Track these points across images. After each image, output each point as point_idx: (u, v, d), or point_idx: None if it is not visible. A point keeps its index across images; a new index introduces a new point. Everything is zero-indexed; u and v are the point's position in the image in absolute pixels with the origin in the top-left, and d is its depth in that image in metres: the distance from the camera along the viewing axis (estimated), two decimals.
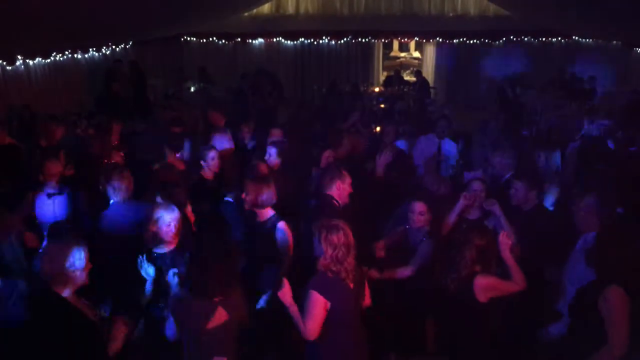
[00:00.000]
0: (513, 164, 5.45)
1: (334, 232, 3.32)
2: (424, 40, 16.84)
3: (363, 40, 16.06)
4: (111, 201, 4.59)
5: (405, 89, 14.02)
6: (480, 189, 4.64)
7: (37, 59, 10.21)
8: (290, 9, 16.12)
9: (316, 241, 3.36)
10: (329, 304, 3.29)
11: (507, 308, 3.91)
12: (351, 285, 3.38)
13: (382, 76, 16.75)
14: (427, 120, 10.04)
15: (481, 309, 3.65)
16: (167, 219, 3.80)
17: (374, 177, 5.56)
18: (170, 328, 3.36)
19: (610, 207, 3.99)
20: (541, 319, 4.07)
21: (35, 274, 3.18)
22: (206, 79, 13.51)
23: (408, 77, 15.98)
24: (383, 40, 16.84)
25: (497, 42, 15.82)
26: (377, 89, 14.74)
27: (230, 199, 4.93)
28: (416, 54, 18.82)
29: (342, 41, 16.06)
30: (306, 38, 15.96)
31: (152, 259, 3.75)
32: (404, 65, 17.79)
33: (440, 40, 16.15)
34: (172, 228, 3.81)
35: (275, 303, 3.49)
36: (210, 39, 15.77)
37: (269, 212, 4.41)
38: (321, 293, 3.28)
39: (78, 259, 3.12)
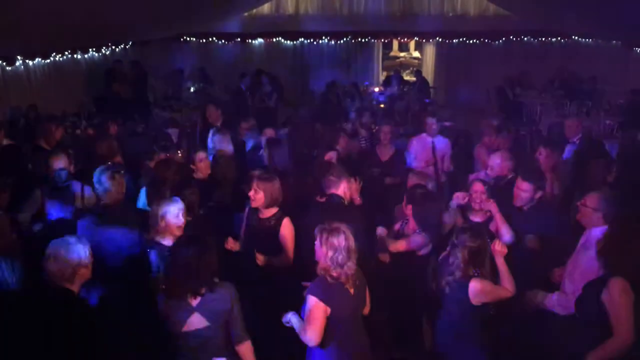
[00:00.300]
0: (512, 165, 5.44)
1: (335, 235, 3.29)
2: (424, 40, 16.84)
3: (363, 40, 16.05)
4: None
5: (405, 89, 14.01)
6: (482, 190, 4.58)
7: (37, 60, 10.20)
8: (290, 9, 16.11)
9: (317, 244, 3.34)
10: (329, 310, 3.27)
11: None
12: (351, 291, 3.36)
13: (382, 76, 16.76)
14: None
15: (473, 312, 3.68)
16: (175, 210, 3.88)
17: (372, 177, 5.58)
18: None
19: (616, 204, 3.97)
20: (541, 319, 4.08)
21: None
22: (206, 79, 13.50)
23: (408, 77, 15.98)
24: (383, 40, 16.83)
25: (496, 42, 15.82)
26: (376, 89, 14.74)
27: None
28: (416, 54, 18.83)
29: (342, 41, 16.06)
30: (306, 38, 15.96)
31: (161, 253, 3.78)
32: (404, 65, 17.80)
33: (440, 40, 16.14)
34: (181, 218, 3.89)
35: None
36: (210, 39, 15.75)
37: (272, 209, 4.42)
38: (321, 299, 3.25)
39: (83, 255, 3.20)
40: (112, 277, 3.87)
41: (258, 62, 14.84)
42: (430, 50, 16.93)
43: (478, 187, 4.61)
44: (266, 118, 9.63)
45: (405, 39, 17.54)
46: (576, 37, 15.41)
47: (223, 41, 15.84)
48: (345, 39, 15.99)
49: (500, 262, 3.74)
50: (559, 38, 15.72)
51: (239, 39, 15.83)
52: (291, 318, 3.41)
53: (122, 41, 12.99)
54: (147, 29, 12.13)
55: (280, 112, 11.42)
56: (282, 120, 9.33)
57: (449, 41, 16.00)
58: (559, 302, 3.86)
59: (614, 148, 7.44)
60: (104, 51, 12.50)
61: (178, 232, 3.88)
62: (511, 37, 15.64)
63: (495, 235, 4.35)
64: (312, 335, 3.26)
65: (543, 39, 15.76)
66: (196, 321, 3.20)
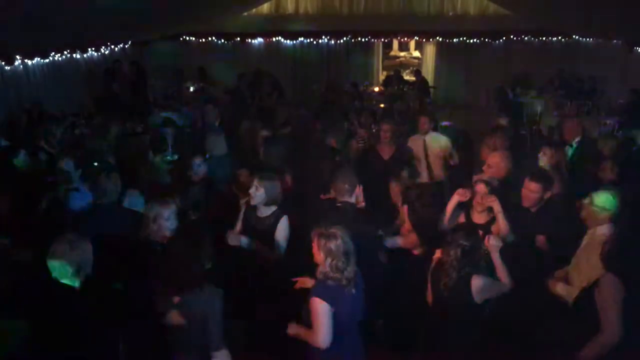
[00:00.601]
0: (510, 165, 5.44)
1: (332, 240, 3.28)
2: (424, 40, 16.83)
3: (363, 39, 16.04)
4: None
5: (405, 89, 14.00)
6: (485, 191, 4.54)
7: (36, 59, 10.19)
8: (290, 8, 16.09)
9: (314, 248, 3.34)
10: (333, 309, 3.26)
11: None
12: (353, 292, 3.35)
13: (382, 76, 16.74)
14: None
15: (476, 310, 3.69)
16: (165, 213, 3.88)
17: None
18: None
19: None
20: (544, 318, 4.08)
21: None
22: (206, 79, 13.49)
23: (408, 76, 15.97)
24: (383, 40, 16.83)
25: (496, 42, 15.81)
26: (376, 89, 14.73)
27: None
28: (416, 54, 18.82)
29: (342, 41, 16.05)
30: (306, 38, 15.95)
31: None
32: (404, 65, 17.78)
33: (440, 39, 16.13)
34: (173, 222, 3.89)
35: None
36: (210, 39, 15.74)
37: (271, 209, 4.42)
38: (324, 299, 3.25)
39: (87, 254, 3.27)
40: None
41: (258, 62, 14.84)
42: (430, 49, 16.91)
43: (481, 188, 4.58)
44: (265, 118, 9.61)
45: (405, 39, 17.52)
46: (576, 37, 15.40)
47: (223, 41, 15.83)
48: (345, 39, 15.98)
49: (496, 257, 3.79)
50: (559, 38, 15.71)
51: (238, 39, 15.82)
52: (294, 330, 3.42)
53: (121, 41, 12.98)
54: (146, 28, 12.11)
55: (280, 112, 11.41)
56: (281, 120, 9.31)
57: (449, 41, 15.99)
58: None
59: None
60: (103, 51, 12.48)
61: (168, 234, 3.87)
62: (511, 36, 15.62)
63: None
64: (322, 337, 3.24)
65: (543, 38, 15.74)
66: (175, 318, 3.22)
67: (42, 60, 10.37)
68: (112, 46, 12.72)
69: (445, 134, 7.36)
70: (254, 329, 4.15)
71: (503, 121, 7.35)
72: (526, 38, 15.72)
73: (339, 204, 4.40)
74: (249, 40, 15.87)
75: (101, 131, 7.34)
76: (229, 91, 11.82)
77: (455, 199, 4.68)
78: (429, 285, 3.91)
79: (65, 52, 10.96)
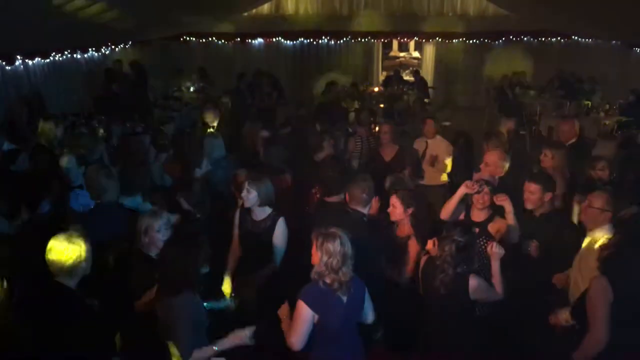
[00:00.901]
0: (507, 165, 5.44)
1: (330, 240, 3.26)
2: (423, 40, 16.84)
3: (362, 40, 16.04)
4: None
5: (404, 89, 14.00)
6: (486, 191, 4.50)
7: (36, 59, 10.19)
8: (290, 9, 16.10)
9: (313, 249, 3.33)
10: (317, 317, 3.23)
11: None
12: (344, 299, 3.31)
13: (382, 76, 16.75)
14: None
15: (470, 309, 3.71)
16: (156, 225, 3.82)
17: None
18: None
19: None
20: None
21: None
22: (206, 79, 13.49)
23: (407, 77, 15.97)
24: (382, 40, 16.83)
25: (496, 42, 15.82)
26: (376, 89, 14.73)
27: None
28: (415, 54, 18.83)
29: (342, 41, 16.05)
30: (305, 38, 15.95)
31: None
32: (404, 65, 17.79)
33: (440, 40, 16.14)
34: (164, 232, 3.83)
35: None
36: (210, 39, 15.75)
37: (266, 211, 4.38)
38: (309, 304, 3.22)
39: (86, 252, 3.26)
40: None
41: (258, 62, 14.85)
42: (429, 50, 16.93)
43: (485, 189, 4.53)
44: (265, 118, 9.62)
45: (405, 39, 17.53)
46: (576, 37, 15.41)
47: (223, 41, 15.84)
48: (345, 39, 15.98)
49: (495, 265, 3.76)
50: (558, 38, 15.72)
51: (238, 39, 15.83)
52: (283, 313, 3.39)
53: (122, 41, 12.98)
54: (146, 29, 12.12)
55: (280, 112, 11.42)
56: (281, 121, 9.32)
57: (448, 41, 16.01)
58: None
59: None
60: (103, 51, 12.49)
61: (161, 245, 3.81)
62: (510, 37, 15.64)
63: (493, 237, 4.35)
64: (294, 339, 3.24)
65: (543, 39, 15.76)
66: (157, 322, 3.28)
67: (42, 60, 10.37)
68: (112, 46, 12.72)
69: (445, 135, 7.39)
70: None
71: (511, 123, 7.36)
72: (525, 38, 15.74)
73: (349, 210, 4.33)
74: (249, 40, 15.87)
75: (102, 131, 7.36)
76: (229, 91, 11.83)
77: (462, 191, 4.57)
78: (420, 280, 3.87)
79: (66, 52, 10.96)
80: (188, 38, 15.60)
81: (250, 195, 4.29)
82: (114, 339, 3.47)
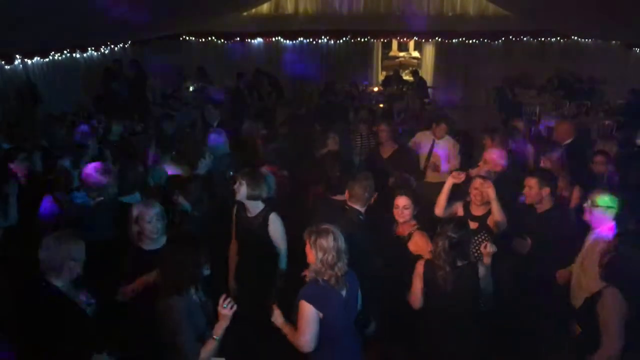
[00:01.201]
0: (506, 164, 5.47)
1: (323, 236, 3.27)
2: (423, 40, 16.84)
3: (362, 39, 16.04)
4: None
5: (404, 89, 14.01)
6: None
7: (36, 58, 10.19)
8: (290, 8, 16.09)
9: (307, 247, 3.33)
10: (321, 315, 3.24)
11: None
12: (343, 293, 3.33)
13: (381, 76, 16.75)
14: (427, 119, 10.05)
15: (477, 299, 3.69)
16: (148, 215, 3.79)
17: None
18: None
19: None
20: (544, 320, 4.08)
21: None
22: (205, 79, 13.47)
23: (407, 77, 15.98)
24: (382, 40, 16.83)
25: (496, 42, 15.82)
26: (376, 89, 14.73)
27: None
28: (415, 54, 18.83)
29: (341, 41, 16.05)
30: (305, 38, 15.95)
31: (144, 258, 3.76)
32: (403, 65, 17.79)
33: (440, 40, 16.14)
34: (154, 225, 3.80)
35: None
36: (210, 39, 15.74)
37: (259, 206, 4.36)
38: (312, 303, 3.22)
39: (75, 252, 3.21)
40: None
41: (257, 61, 14.84)
42: (429, 50, 16.93)
43: (477, 183, 4.62)
44: (264, 117, 9.61)
45: (405, 39, 17.53)
46: (576, 37, 15.41)
47: (222, 40, 15.82)
48: (344, 39, 15.98)
49: (487, 264, 3.74)
50: (558, 38, 15.73)
51: (238, 39, 15.82)
52: (279, 321, 3.37)
53: (121, 40, 12.97)
54: (146, 28, 12.10)
55: (279, 111, 11.41)
56: (280, 120, 9.31)
57: (448, 41, 16.00)
58: None
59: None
60: (102, 50, 12.48)
61: (153, 237, 3.83)
62: (511, 37, 15.64)
63: (493, 230, 4.38)
64: (304, 341, 3.23)
65: (542, 39, 15.76)
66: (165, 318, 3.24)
67: (41, 60, 10.37)
68: (112, 46, 12.71)
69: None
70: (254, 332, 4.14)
71: (519, 124, 7.35)
72: (525, 38, 15.74)
73: (346, 207, 4.34)
74: (249, 39, 15.87)
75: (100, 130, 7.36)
76: (229, 91, 11.82)
77: (449, 182, 4.73)
78: (421, 278, 3.80)
79: (65, 52, 10.95)
80: (187, 37, 15.59)
81: (241, 187, 4.29)
82: (104, 339, 3.40)
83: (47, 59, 10.54)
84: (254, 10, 15.93)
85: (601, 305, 3.18)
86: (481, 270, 3.70)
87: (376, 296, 3.84)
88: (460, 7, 16.02)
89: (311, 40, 16.00)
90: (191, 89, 13.19)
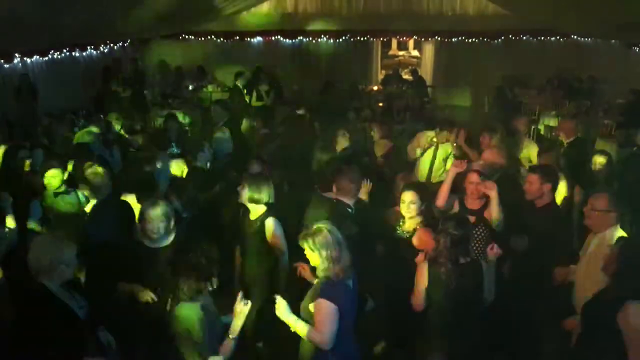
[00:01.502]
0: (504, 162, 5.48)
1: (319, 234, 3.30)
2: (423, 39, 16.83)
3: (362, 39, 16.04)
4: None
5: (404, 88, 14.01)
6: (477, 180, 4.61)
7: (35, 57, 10.17)
8: (289, 7, 16.08)
9: (307, 252, 3.35)
10: (340, 311, 3.26)
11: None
12: (350, 284, 3.38)
13: (381, 75, 16.74)
14: (427, 118, 10.06)
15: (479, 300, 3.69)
16: (152, 214, 3.80)
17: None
18: None
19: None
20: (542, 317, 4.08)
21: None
22: (205, 78, 13.48)
23: (407, 75, 15.98)
24: (382, 39, 16.82)
25: (495, 42, 15.81)
26: (375, 88, 14.73)
27: None
28: (415, 53, 18.83)
29: (341, 40, 16.05)
30: (305, 37, 15.95)
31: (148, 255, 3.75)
32: (403, 64, 17.79)
33: (439, 39, 16.14)
34: (156, 225, 3.80)
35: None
36: (209, 38, 15.73)
37: (259, 210, 4.38)
38: (332, 300, 3.24)
39: (66, 255, 3.16)
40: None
41: (257, 60, 14.83)
42: (429, 49, 16.92)
43: (473, 177, 4.65)
44: (264, 116, 9.61)
45: (404, 38, 17.52)
46: (575, 37, 15.41)
47: (222, 39, 15.81)
48: (344, 38, 15.98)
49: (491, 267, 3.74)
50: (558, 38, 15.72)
51: (237, 38, 15.80)
52: (285, 313, 3.34)
53: (121, 40, 12.96)
54: (146, 27, 12.10)
55: (278, 110, 11.40)
56: (279, 119, 9.31)
57: (448, 40, 15.99)
58: None
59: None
60: (102, 49, 12.47)
61: (154, 236, 3.84)
62: (510, 36, 15.63)
63: (489, 223, 4.39)
64: (326, 339, 3.23)
65: (542, 38, 15.75)
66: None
67: (41, 59, 10.36)
68: (111, 44, 12.70)
69: None
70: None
71: (523, 123, 7.36)
72: (525, 38, 15.73)
73: (335, 201, 4.39)
74: (248, 38, 15.86)
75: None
76: (228, 90, 11.84)
77: (452, 172, 4.75)
78: (424, 278, 3.78)
79: (65, 51, 10.94)
80: (187, 36, 15.58)
81: (243, 191, 4.34)
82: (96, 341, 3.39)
83: (46, 58, 10.53)
84: (253, 9, 15.91)
85: (625, 322, 3.03)
86: (484, 267, 3.71)
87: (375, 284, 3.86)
88: (459, 6, 16.01)
89: (311, 39, 15.99)
90: (191, 88, 13.21)
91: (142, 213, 3.85)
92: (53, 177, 4.88)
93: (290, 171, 6.10)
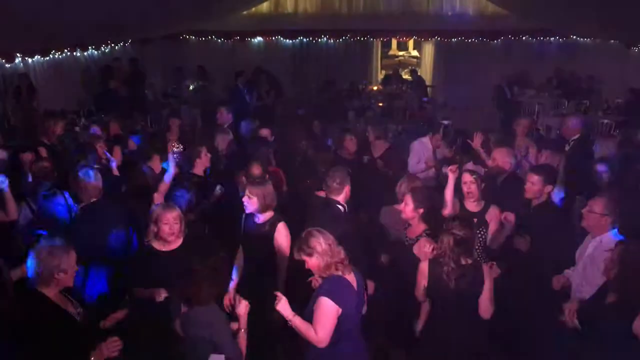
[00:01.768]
0: (513, 162, 5.49)
1: (309, 238, 3.37)
2: (422, 39, 16.84)
3: (361, 38, 16.06)
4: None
5: (403, 88, 14.03)
6: (470, 180, 4.65)
7: (36, 57, 10.19)
8: (289, 7, 16.10)
9: (306, 259, 3.38)
10: (340, 310, 3.28)
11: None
12: (355, 286, 3.40)
13: (381, 75, 16.75)
14: (426, 118, 10.09)
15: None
16: (164, 218, 3.85)
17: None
18: None
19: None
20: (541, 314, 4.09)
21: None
22: (205, 78, 13.49)
23: (406, 75, 16.00)
24: (382, 39, 16.84)
25: (495, 41, 15.82)
26: (375, 88, 14.74)
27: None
28: (414, 53, 18.84)
29: (341, 40, 16.07)
30: (305, 37, 15.97)
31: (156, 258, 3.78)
32: (403, 64, 17.80)
33: (439, 39, 16.16)
34: (172, 227, 3.84)
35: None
36: (210, 37, 15.75)
37: (268, 214, 4.40)
38: (332, 298, 3.26)
39: (65, 263, 3.11)
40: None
41: (257, 60, 14.84)
42: (429, 49, 16.93)
43: (466, 177, 4.70)
44: (264, 116, 9.63)
45: (404, 38, 17.53)
46: (575, 37, 15.42)
47: (222, 39, 15.83)
48: (344, 38, 16.00)
49: (489, 283, 3.71)
50: (557, 37, 15.73)
51: (238, 38, 15.82)
52: (286, 310, 3.36)
53: (121, 39, 12.97)
54: (146, 27, 12.11)
55: (278, 110, 11.43)
56: (279, 119, 9.33)
57: (447, 40, 16.00)
58: None
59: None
60: (103, 49, 12.48)
61: (170, 239, 3.88)
62: (510, 36, 15.65)
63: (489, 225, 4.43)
64: (325, 336, 3.26)
65: (541, 38, 15.76)
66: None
67: (42, 58, 10.38)
68: (112, 44, 12.72)
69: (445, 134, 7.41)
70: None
71: (525, 122, 7.39)
72: (524, 38, 15.75)
73: (326, 200, 4.48)
74: (249, 38, 15.88)
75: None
76: (228, 90, 11.84)
77: (451, 178, 4.77)
78: (424, 277, 3.80)
79: (66, 51, 10.96)
80: (187, 36, 15.60)
81: (251, 202, 4.33)
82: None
83: (47, 58, 10.54)
84: (253, 9, 15.93)
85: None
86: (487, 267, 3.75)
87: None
88: (459, 6, 16.02)
89: (311, 39, 16.01)
90: (191, 87, 13.22)
91: (157, 216, 3.87)
92: None
93: (290, 171, 6.12)
